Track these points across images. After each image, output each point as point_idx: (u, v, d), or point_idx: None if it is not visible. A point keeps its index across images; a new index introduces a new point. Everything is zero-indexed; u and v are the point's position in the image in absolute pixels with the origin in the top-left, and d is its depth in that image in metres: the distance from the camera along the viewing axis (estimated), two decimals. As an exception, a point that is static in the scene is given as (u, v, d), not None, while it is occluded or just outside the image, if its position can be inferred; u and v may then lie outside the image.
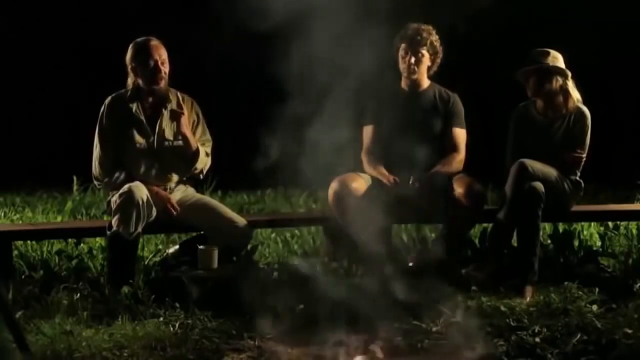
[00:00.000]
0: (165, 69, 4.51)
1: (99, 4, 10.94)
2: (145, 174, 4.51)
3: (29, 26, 11.14)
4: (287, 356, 3.52)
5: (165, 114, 4.57)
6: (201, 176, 4.76)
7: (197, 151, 4.57)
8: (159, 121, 4.55)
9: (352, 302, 3.87)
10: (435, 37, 4.83)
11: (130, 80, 4.57)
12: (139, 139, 4.52)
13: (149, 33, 4.62)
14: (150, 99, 4.57)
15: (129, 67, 4.55)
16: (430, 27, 4.85)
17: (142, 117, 4.55)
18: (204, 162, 4.64)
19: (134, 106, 4.55)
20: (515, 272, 4.50)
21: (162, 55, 4.50)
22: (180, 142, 4.56)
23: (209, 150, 4.68)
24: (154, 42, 4.51)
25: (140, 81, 4.52)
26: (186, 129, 4.53)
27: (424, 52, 4.81)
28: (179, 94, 4.65)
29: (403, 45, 4.84)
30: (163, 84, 4.53)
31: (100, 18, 10.91)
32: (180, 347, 3.49)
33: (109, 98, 4.59)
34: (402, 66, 4.87)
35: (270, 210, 7.58)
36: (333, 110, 4.18)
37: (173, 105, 4.60)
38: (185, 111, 4.56)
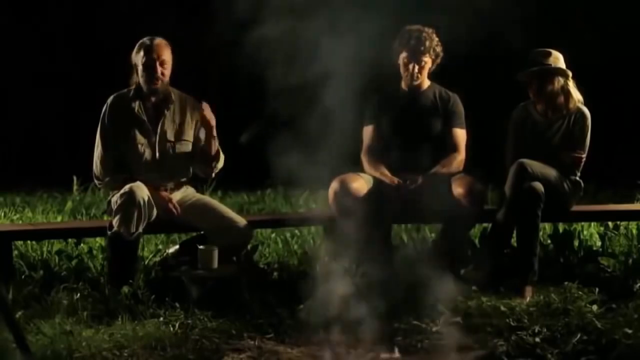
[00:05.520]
0: (165, 69, 4.49)
1: (101, 3, 10.95)
2: (146, 174, 4.50)
3: (30, 26, 11.14)
4: (287, 356, 3.52)
5: (168, 114, 4.57)
6: (212, 175, 4.78)
7: (218, 152, 4.58)
8: (161, 121, 4.55)
9: (352, 302, 3.87)
10: (436, 41, 4.81)
11: (133, 79, 4.57)
12: (140, 139, 4.52)
13: (152, 32, 4.62)
14: (153, 99, 4.56)
15: (133, 65, 4.55)
16: (431, 30, 4.81)
17: (144, 117, 4.54)
18: (222, 161, 4.65)
19: (136, 106, 4.54)
20: (515, 272, 4.50)
21: (162, 55, 4.48)
22: (182, 143, 4.56)
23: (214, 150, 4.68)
24: (157, 41, 4.50)
25: (141, 80, 4.52)
26: (214, 132, 4.52)
27: (427, 59, 4.80)
28: (181, 94, 4.65)
29: (405, 54, 4.81)
30: (160, 84, 4.51)
31: (101, 17, 10.91)
32: (180, 347, 3.50)
33: (112, 97, 4.59)
34: (404, 73, 4.85)
35: (270, 210, 7.58)
36: (333, 109, 4.18)
37: (175, 106, 4.59)
38: (189, 113, 4.54)
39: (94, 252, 4.88)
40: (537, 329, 3.71)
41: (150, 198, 4.31)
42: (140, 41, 4.53)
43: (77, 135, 6.68)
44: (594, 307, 4.04)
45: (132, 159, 4.51)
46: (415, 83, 4.85)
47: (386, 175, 4.73)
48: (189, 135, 4.60)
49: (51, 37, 11.06)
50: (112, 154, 4.51)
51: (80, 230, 4.94)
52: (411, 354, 3.55)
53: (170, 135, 4.56)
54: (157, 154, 4.53)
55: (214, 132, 4.54)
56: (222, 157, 4.65)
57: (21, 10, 11.09)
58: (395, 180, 4.69)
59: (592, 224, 5.73)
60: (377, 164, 4.81)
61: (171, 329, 3.73)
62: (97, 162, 4.54)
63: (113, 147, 4.51)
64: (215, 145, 4.57)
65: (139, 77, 4.51)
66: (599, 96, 5.50)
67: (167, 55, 4.49)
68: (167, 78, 4.53)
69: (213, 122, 4.52)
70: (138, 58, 4.49)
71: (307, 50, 4.09)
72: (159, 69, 4.47)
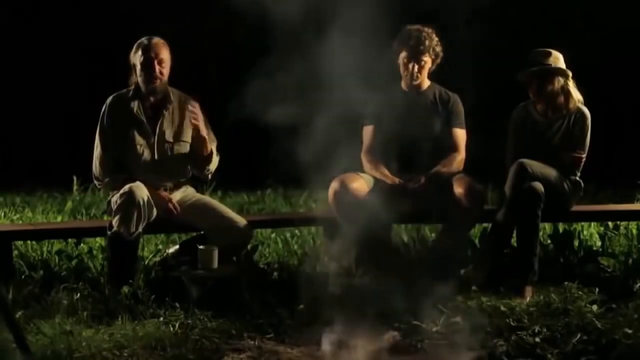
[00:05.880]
0: (163, 68, 4.49)
1: (101, 4, 10.95)
2: (145, 174, 4.49)
3: (30, 26, 11.14)
4: (287, 356, 3.52)
5: (167, 114, 4.56)
6: (209, 176, 4.76)
7: (211, 153, 4.57)
8: (159, 122, 4.54)
9: (352, 302, 3.87)
10: (435, 41, 4.81)
11: (132, 79, 4.57)
12: (139, 139, 4.51)
13: (152, 31, 4.61)
14: (151, 99, 4.56)
15: (131, 65, 4.54)
16: (430, 30, 4.81)
17: (143, 118, 4.54)
18: (215, 163, 4.64)
19: (135, 106, 4.53)
20: (515, 272, 4.50)
21: (160, 54, 4.47)
22: (181, 144, 4.56)
23: (215, 150, 4.67)
24: (155, 40, 4.50)
25: (140, 80, 4.51)
26: (203, 131, 4.49)
27: (427, 59, 4.80)
28: (180, 94, 4.64)
29: (405, 53, 4.81)
30: (158, 83, 4.50)
31: (101, 17, 10.92)
32: (180, 347, 3.49)
33: (111, 97, 4.58)
34: (404, 72, 4.85)
35: (270, 210, 7.58)
36: (333, 110, 4.18)
37: (174, 105, 4.59)
38: (198, 113, 4.50)
39: (94, 252, 4.88)
40: (537, 329, 3.71)
41: (150, 198, 4.31)
42: (138, 41, 4.53)
43: (77, 135, 6.68)
44: (594, 307, 4.04)
45: (131, 159, 4.51)
46: (415, 83, 4.85)
47: (387, 176, 4.74)
48: (187, 136, 4.59)
49: (51, 37, 11.06)
50: (111, 155, 4.50)
51: (80, 230, 4.94)
52: (411, 354, 3.55)
53: (169, 136, 4.56)
54: (156, 155, 4.52)
55: (203, 133, 4.50)
56: (215, 159, 4.63)
57: (22, 10, 11.10)
58: (397, 180, 4.69)
59: (592, 224, 5.73)
60: (377, 163, 4.81)
61: (171, 329, 3.73)
62: (96, 162, 4.53)
63: (112, 148, 4.50)
64: (208, 147, 4.55)
65: (138, 76, 4.51)
66: (599, 96, 5.50)
67: (165, 54, 4.49)
68: (165, 77, 4.53)
69: (201, 122, 4.48)
70: (136, 57, 4.49)
71: (307, 49, 4.10)
72: (157, 68, 4.47)
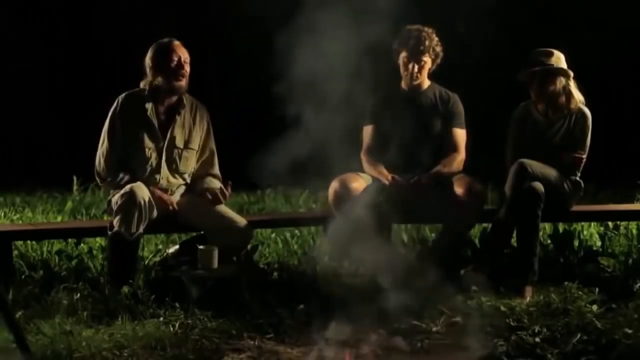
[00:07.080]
0: (187, 68, 4.50)
1: (100, 6, 10.96)
2: (150, 176, 4.48)
3: (30, 26, 11.14)
4: (287, 356, 3.52)
5: (179, 119, 4.55)
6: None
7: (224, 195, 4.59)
8: (171, 127, 4.52)
9: (351, 302, 3.87)
10: (435, 41, 4.81)
11: (145, 81, 4.53)
12: (148, 142, 4.49)
13: (150, 34, 4.61)
14: (166, 102, 4.53)
15: (148, 66, 4.50)
16: (430, 30, 4.82)
17: (155, 121, 4.51)
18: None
19: (149, 108, 4.50)
20: (515, 272, 4.50)
21: (184, 54, 4.49)
22: (189, 151, 4.56)
23: (217, 170, 4.69)
24: (177, 42, 4.51)
25: (160, 80, 4.46)
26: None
27: (426, 59, 4.81)
28: (192, 99, 4.64)
29: (405, 53, 4.81)
30: (184, 82, 4.49)
31: (101, 18, 10.92)
32: (180, 347, 3.49)
33: (123, 95, 4.54)
34: (404, 72, 4.86)
35: (270, 210, 7.58)
36: (332, 110, 4.19)
37: (186, 110, 4.58)
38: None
39: (94, 252, 4.89)
40: (537, 329, 3.71)
41: (151, 198, 4.30)
42: (159, 43, 4.51)
43: (77, 135, 6.69)
44: (594, 307, 4.04)
45: (137, 160, 4.48)
46: (415, 83, 4.85)
47: (383, 174, 4.73)
48: (196, 143, 4.61)
49: (52, 37, 11.06)
50: (117, 153, 4.47)
51: (80, 230, 4.93)
52: (411, 354, 3.55)
53: (179, 142, 4.54)
54: (164, 159, 4.51)
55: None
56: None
57: (22, 11, 11.10)
58: (389, 176, 4.68)
59: (592, 224, 5.73)
60: (376, 163, 4.81)
61: (171, 329, 3.73)
62: (101, 159, 4.50)
63: (119, 146, 4.47)
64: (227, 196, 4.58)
65: (161, 76, 4.46)
66: (599, 96, 5.50)
67: (187, 55, 4.51)
68: (187, 77, 4.53)
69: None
70: (162, 59, 4.45)
71: (307, 48, 4.10)
72: (185, 67, 4.47)
